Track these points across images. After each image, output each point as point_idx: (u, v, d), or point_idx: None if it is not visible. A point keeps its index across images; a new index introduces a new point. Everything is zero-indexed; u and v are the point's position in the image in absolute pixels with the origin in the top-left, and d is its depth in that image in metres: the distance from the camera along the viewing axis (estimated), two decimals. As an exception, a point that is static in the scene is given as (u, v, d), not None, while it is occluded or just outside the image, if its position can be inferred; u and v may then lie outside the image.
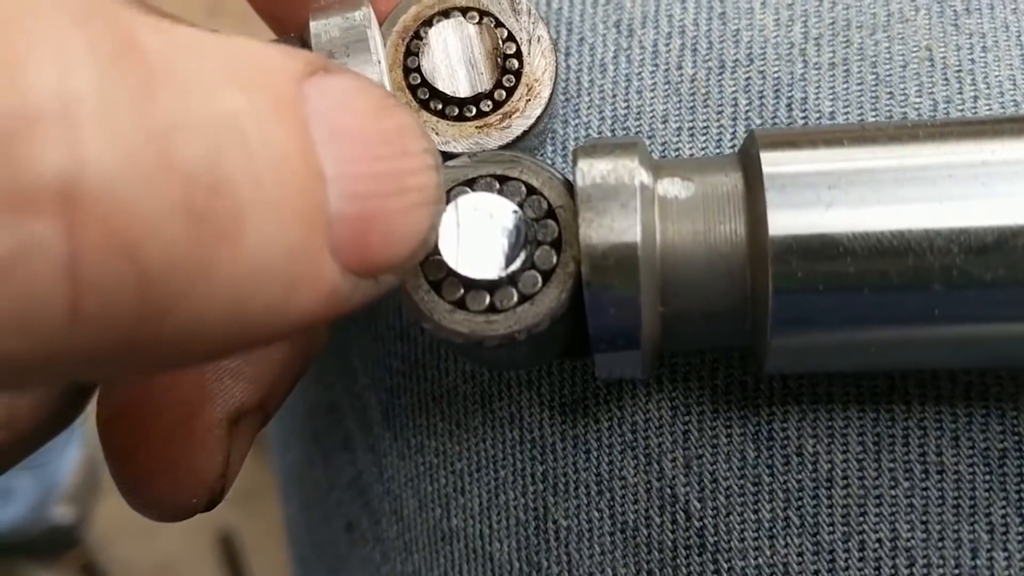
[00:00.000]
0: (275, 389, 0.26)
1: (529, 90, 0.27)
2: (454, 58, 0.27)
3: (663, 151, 0.29)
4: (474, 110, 0.27)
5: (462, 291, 0.23)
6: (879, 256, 0.22)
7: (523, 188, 0.24)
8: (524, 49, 0.27)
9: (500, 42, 0.27)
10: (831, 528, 0.26)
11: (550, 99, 0.27)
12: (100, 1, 0.15)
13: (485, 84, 0.27)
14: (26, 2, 0.15)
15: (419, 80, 0.27)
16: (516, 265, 0.23)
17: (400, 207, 0.19)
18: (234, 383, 0.25)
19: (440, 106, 0.27)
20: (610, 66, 0.30)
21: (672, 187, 0.23)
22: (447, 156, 0.26)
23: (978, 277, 0.21)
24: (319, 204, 0.18)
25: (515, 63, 0.27)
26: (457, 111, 0.27)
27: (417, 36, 0.27)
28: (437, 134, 0.26)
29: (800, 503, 0.26)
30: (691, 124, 0.29)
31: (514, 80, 0.27)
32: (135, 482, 0.24)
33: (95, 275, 0.14)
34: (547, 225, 0.24)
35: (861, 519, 0.26)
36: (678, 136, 0.28)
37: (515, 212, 0.23)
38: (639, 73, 0.29)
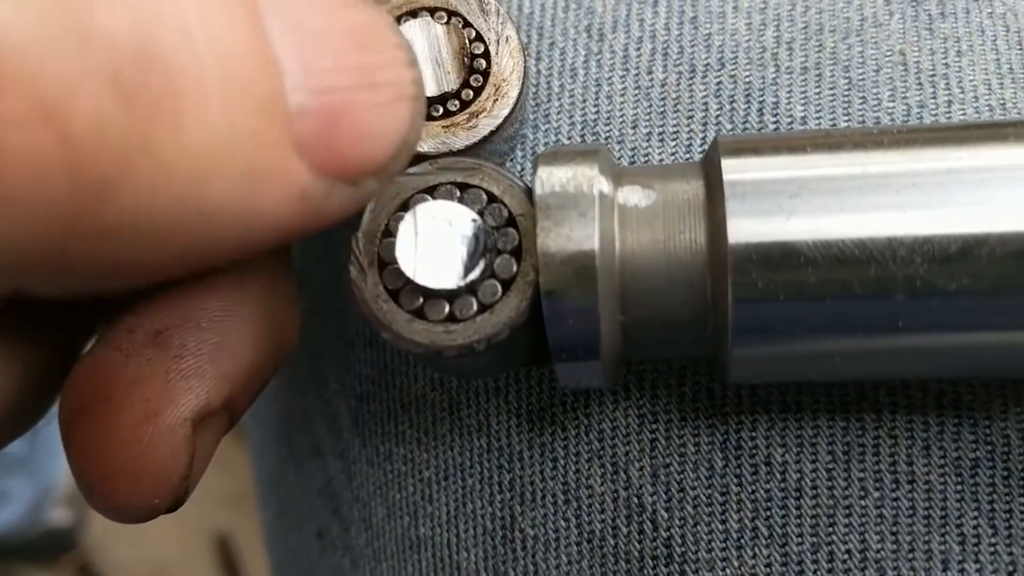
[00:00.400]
0: (242, 390, 0.26)
1: (496, 90, 0.27)
2: (421, 57, 0.26)
3: (633, 156, 0.28)
4: (441, 109, 0.26)
5: (421, 300, 0.23)
6: (841, 265, 0.21)
7: (484, 196, 0.24)
8: (492, 49, 0.27)
9: (468, 42, 0.27)
10: (800, 539, 0.26)
11: (518, 99, 0.27)
12: None
13: (452, 84, 0.26)
14: None
15: None
16: (475, 274, 0.23)
17: (371, 102, 0.19)
18: (200, 382, 0.24)
19: None
20: (580, 71, 0.29)
21: (632, 195, 0.23)
22: (414, 156, 0.26)
23: (942, 287, 0.21)
24: (274, 93, 0.17)
25: (483, 63, 0.27)
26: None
27: None
28: None
29: (768, 513, 0.26)
30: (661, 129, 0.28)
31: (482, 80, 0.27)
32: (95, 482, 0.24)
33: (16, 142, 0.14)
34: (507, 233, 0.23)
35: (830, 530, 0.26)
36: (647, 141, 0.28)
37: (474, 220, 0.23)
38: (609, 78, 0.29)
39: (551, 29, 0.30)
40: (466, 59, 0.26)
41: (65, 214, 0.15)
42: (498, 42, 0.27)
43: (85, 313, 0.26)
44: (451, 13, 0.27)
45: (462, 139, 0.26)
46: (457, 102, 0.26)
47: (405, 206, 0.24)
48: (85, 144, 0.15)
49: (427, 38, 0.26)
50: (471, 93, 0.27)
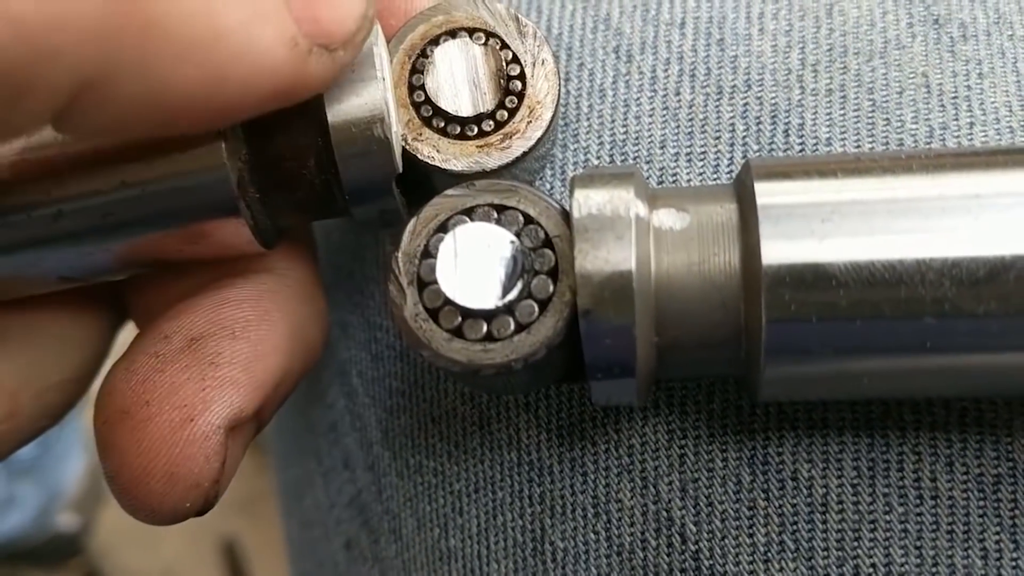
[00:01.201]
0: (271, 398, 0.26)
1: (531, 112, 0.27)
2: (458, 77, 0.27)
3: (661, 176, 0.29)
4: (476, 129, 0.27)
5: (459, 320, 0.24)
6: (871, 287, 0.22)
7: (520, 217, 0.24)
8: (528, 71, 0.27)
9: (504, 63, 0.27)
10: (826, 553, 0.26)
11: (551, 121, 0.27)
12: None
13: (488, 104, 0.27)
14: None
15: (423, 98, 0.27)
16: (513, 295, 0.23)
17: None
18: (234, 390, 0.25)
19: (443, 124, 0.27)
20: (609, 91, 0.30)
21: (667, 218, 0.24)
22: (447, 174, 0.27)
23: (969, 310, 0.22)
24: None
25: (519, 85, 0.27)
26: (459, 130, 0.27)
27: (423, 55, 0.27)
28: (438, 151, 0.27)
29: (795, 527, 0.26)
30: (689, 150, 0.29)
31: (517, 101, 0.27)
32: (131, 484, 0.24)
33: None
34: (544, 254, 0.24)
35: (856, 544, 0.26)
36: (676, 161, 0.29)
37: (512, 242, 0.24)
38: (638, 99, 0.30)
39: (580, 50, 0.31)
40: (502, 80, 0.27)
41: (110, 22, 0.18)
42: (534, 64, 0.27)
43: (121, 299, 0.29)
44: (489, 34, 0.27)
45: (495, 159, 0.27)
46: (492, 122, 0.27)
47: (444, 227, 0.24)
48: None
49: (465, 59, 0.27)
50: (506, 114, 0.27)
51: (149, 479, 0.24)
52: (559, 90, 0.27)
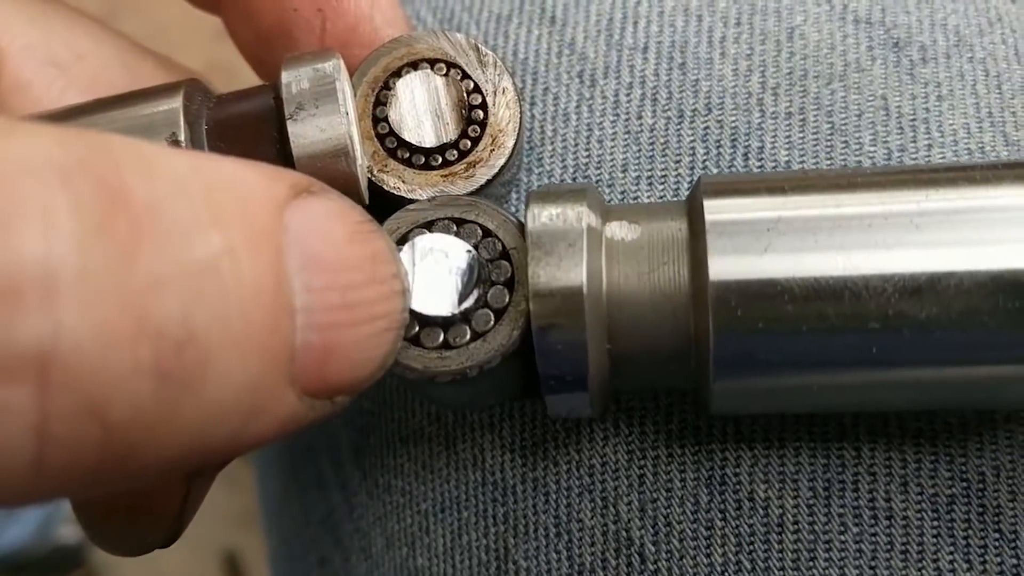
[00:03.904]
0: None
1: (493, 140, 0.27)
2: (420, 109, 0.27)
3: (623, 198, 0.29)
4: (440, 159, 0.27)
5: (417, 328, 0.24)
6: (817, 297, 0.22)
7: (479, 230, 0.25)
8: (489, 100, 0.28)
9: (466, 94, 0.27)
10: (782, 572, 0.26)
11: (514, 149, 0.28)
12: (92, 148, 0.16)
13: (450, 135, 0.27)
14: (16, 160, 0.15)
15: (387, 130, 0.27)
16: (469, 303, 0.24)
17: (364, 335, 0.20)
18: None
19: (407, 155, 0.27)
20: (573, 116, 0.30)
21: (619, 230, 0.24)
22: (411, 203, 0.27)
23: (912, 316, 0.22)
24: (287, 338, 0.18)
25: (480, 114, 0.28)
26: (423, 160, 0.27)
27: (386, 87, 0.28)
28: (404, 182, 0.27)
29: (752, 548, 0.27)
30: (650, 173, 0.29)
31: (479, 131, 0.28)
32: (97, 520, 0.25)
33: (62, 434, 0.15)
34: (500, 266, 0.24)
35: (811, 564, 0.26)
36: (637, 185, 0.29)
37: (468, 251, 0.24)
38: (600, 123, 0.30)
39: (544, 75, 0.31)
40: (464, 110, 0.27)
41: (91, 474, 0.16)
42: (495, 93, 0.28)
43: None
44: (450, 65, 0.28)
45: (460, 188, 0.27)
46: (455, 152, 0.27)
47: (404, 239, 0.25)
48: (122, 428, 0.16)
49: (427, 90, 0.27)
50: (469, 143, 0.27)
51: (113, 517, 0.25)
52: (521, 117, 0.28)
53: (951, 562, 0.26)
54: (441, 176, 0.27)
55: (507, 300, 0.24)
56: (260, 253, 0.18)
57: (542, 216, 0.24)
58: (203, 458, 0.18)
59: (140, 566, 1.44)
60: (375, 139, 0.28)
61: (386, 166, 0.27)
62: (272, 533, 0.41)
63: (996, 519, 0.26)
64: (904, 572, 0.26)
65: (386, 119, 0.27)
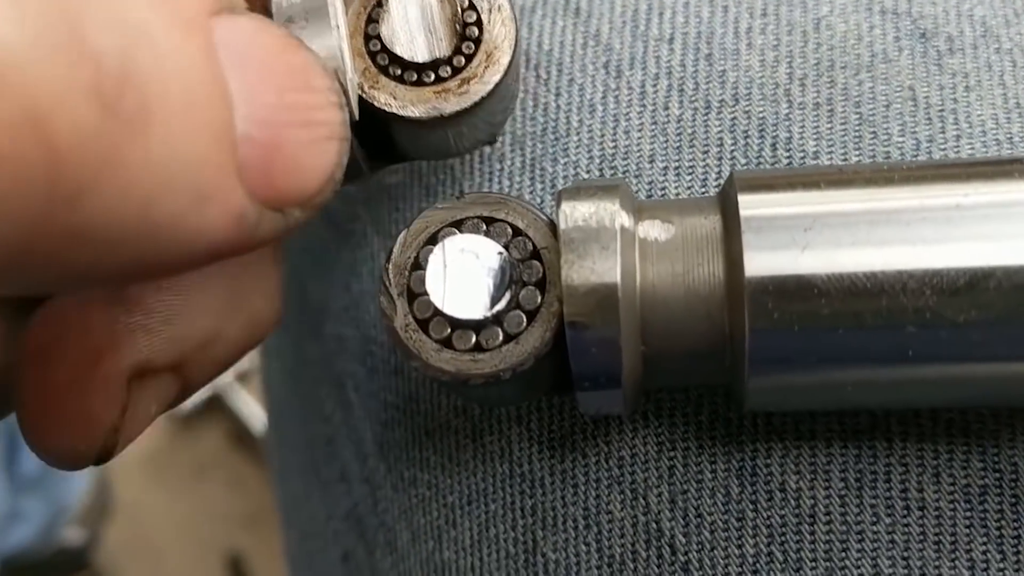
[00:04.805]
0: (195, 359, 0.26)
1: (488, 57, 0.27)
2: (413, 24, 0.27)
3: (650, 190, 0.29)
4: (432, 76, 0.27)
5: (449, 330, 0.24)
6: (853, 297, 0.22)
7: (509, 229, 0.25)
8: (484, 17, 0.27)
9: (460, 10, 0.27)
10: (814, 563, 0.26)
11: (509, 66, 0.27)
12: None
13: (444, 50, 0.27)
14: None
15: (379, 46, 0.27)
16: (501, 305, 0.24)
17: (306, 139, 0.20)
18: (145, 338, 0.24)
19: (399, 71, 0.27)
20: (599, 106, 0.30)
21: (652, 229, 0.24)
22: (405, 120, 0.27)
23: (950, 318, 0.22)
24: (226, 121, 0.18)
25: (475, 31, 0.27)
26: (416, 76, 0.27)
27: (379, 4, 0.27)
28: (395, 98, 0.27)
29: (783, 538, 0.27)
30: (677, 164, 0.29)
31: (474, 47, 0.27)
32: (33, 420, 0.24)
33: (5, 146, 0.15)
34: (532, 266, 0.24)
35: (843, 555, 0.26)
36: (664, 175, 0.29)
37: (500, 253, 0.24)
38: (627, 113, 0.30)
39: (570, 65, 0.31)
40: (458, 26, 0.27)
41: (38, 215, 0.16)
42: (490, 10, 0.27)
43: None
44: None
45: (453, 104, 0.27)
46: (449, 68, 0.27)
47: (434, 239, 0.25)
48: (66, 152, 0.16)
49: (420, 5, 0.27)
50: (463, 60, 0.27)
51: (49, 417, 0.24)
52: (516, 35, 0.27)
53: (984, 552, 0.26)
54: (434, 92, 0.27)
55: (539, 301, 0.24)
56: (192, 36, 0.18)
57: (574, 216, 0.23)
58: (155, 238, 0.18)
59: (144, 567, 1.44)
60: (366, 56, 0.27)
61: (377, 83, 0.27)
62: (291, 529, 0.41)
63: None
64: (937, 563, 0.26)
65: (378, 36, 0.27)
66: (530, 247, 0.25)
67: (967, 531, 0.26)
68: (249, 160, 0.19)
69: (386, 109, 0.27)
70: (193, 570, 1.44)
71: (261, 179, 0.19)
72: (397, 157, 0.30)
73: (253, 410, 1.55)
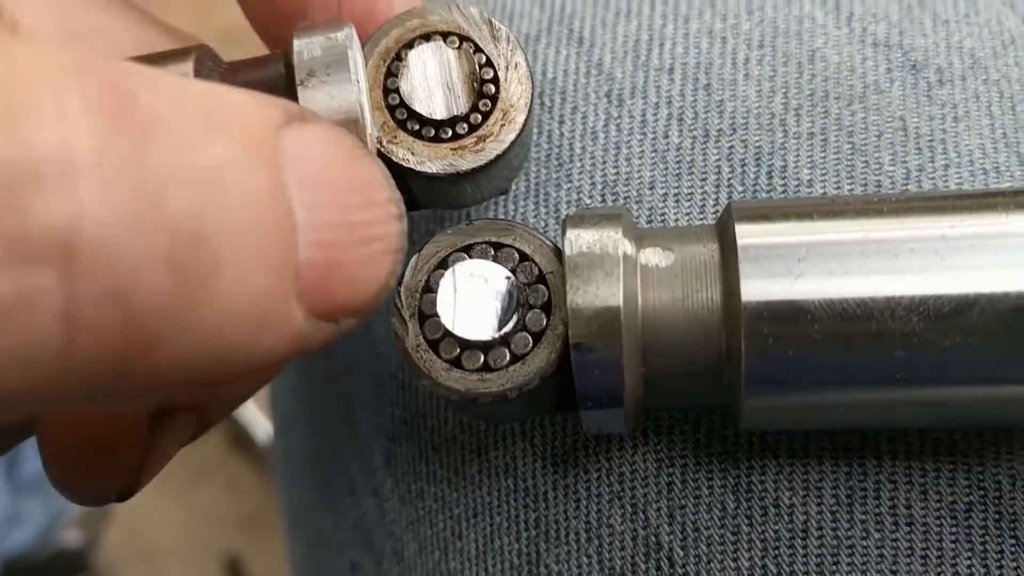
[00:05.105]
0: (211, 398, 0.27)
1: (504, 115, 0.27)
2: (432, 81, 0.27)
3: (650, 216, 0.30)
4: (450, 132, 0.27)
5: (458, 351, 0.25)
6: (844, 323, 0.23)
7: (516, 254, 0.26)
8: (501, 75, 0.28)
9: (478, 67, 0.27)
10: None
11: (524, 125, 0.28)
12: (99, 58, 0.17)
13: (461, 107, 0.27)
14: (29, 61, 0.16)
15: (398, 101, 0.27)
16: (509, 327, 0.25)
17: (364, 255, 0.20)
18: None
19: (417, 127, 0.27)
20: (601, 134, 0.31)
21: (653, 256, 0.25)
22: (422, 176, 0.27)
23: (937, 343, 0.23)
24: (289, 251, 0.19)
25: (492, 88, 0.28)
26: (433, 132, 0.27)
27: (398, 58, 0.28)
28: (413, 154, 0.27)
29: (777, 552, 0.28)
30: (676, 191, 0.30)
31: (490, 105, 0.27)
32: (57, 462, 0.25)
33: (87, 319, 0.16)
34: (538, 289, 0.25)
35: (834, 568, 0.27)
36: (664, 202, 0.30)
37: (508, 278, 0.25)
38: (628, 141, 0.31)
39: (573, 94, 0.32)
40: (476, 84, 0.27)
41: (114, 368, 0.17)
42: (507, 68, 0.28)
43: None
44: (463, 38, 0.28)
45: (469, 161, 0.27)
46: (466, 125, 0.27)
47: (444, 263, 0.26)
48: (142, 317, 0.17)
49: (439, 62, 0.27)
50: (479, 117, 0.27)
51: (72, 459, 0.25)
52: (532, 94, 0.28)
53: (969, 567, 0.27)
54: (451, 149, 0.27)
55: (544, 324, 0.25)
56: (259, 167, 0.18)
57: (579, 243, 0.25)
58: (218, 368, 0.18)
59: (143, 570, 1.44)
60: (385, 110, 0.27)
61: (395, 137, 0.27)
62: (297, 538, 0.42)
63: (1012, 526, 0.27)
64: None
65: (397, 90, 0.27)
66: (536, 272, 0.26)
67: (953, 546, 0.27)
68: (309, 282, 0.19)
69: (403, 164, 0.27)
70: (192, 572, 1.45)
71: (319, 298, 0.20)
72: (411, 206, 0.30)
73: (252, 414, 1.56)
